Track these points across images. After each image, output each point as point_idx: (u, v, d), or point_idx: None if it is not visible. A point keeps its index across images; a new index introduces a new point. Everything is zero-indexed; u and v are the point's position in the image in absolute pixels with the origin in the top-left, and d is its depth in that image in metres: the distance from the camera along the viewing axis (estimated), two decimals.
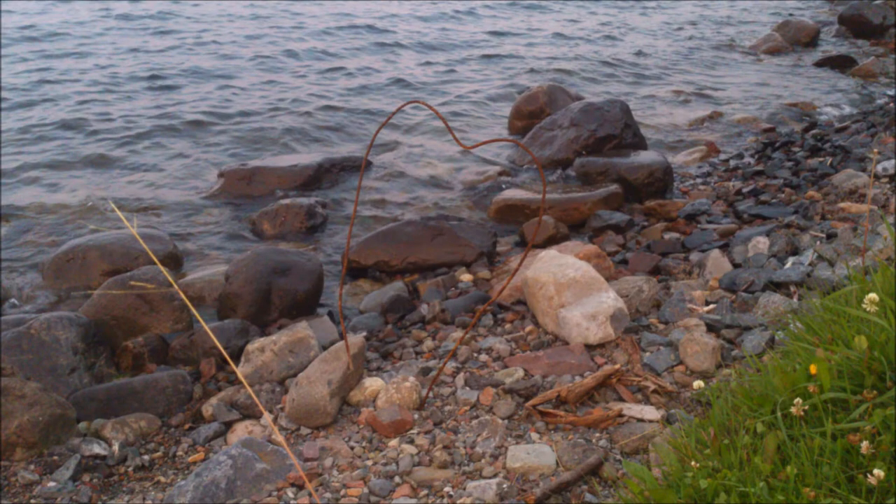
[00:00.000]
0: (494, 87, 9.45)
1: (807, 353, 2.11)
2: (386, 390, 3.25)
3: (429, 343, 3.89)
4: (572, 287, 3.72)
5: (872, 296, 1.93)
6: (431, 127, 7.91)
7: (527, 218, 5.66)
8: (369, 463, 2.88)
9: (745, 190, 5.88)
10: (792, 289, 3.87)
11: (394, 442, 2.99)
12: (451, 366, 3.53)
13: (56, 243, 5.37)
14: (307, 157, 6.80)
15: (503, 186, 6.35)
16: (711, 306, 3.86)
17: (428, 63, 10.61)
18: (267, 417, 2.96)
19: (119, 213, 5.82)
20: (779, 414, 1.92)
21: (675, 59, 11.25)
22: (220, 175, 6.42)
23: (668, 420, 2.96)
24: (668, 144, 7.62)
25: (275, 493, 2.74)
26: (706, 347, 3.32)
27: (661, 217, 5.66)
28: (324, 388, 3.16)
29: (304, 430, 3.17)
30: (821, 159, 6.41)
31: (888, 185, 5.18)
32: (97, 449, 3.16)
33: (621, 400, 3.15)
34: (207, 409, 3.42)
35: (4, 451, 3.10)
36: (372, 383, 3.34)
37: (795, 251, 4.36)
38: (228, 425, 3.33)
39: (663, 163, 6.20)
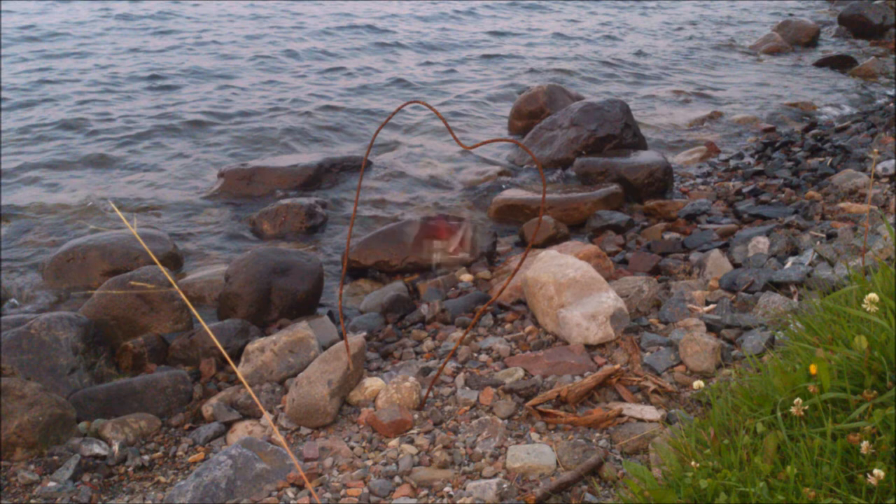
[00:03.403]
0: (494, 87, 9.45)
1: (807, 353, 2.11)
2: (386, 390, 3.25)
3: (429, 343, 3.89)
4: (572, 287, 3.72)
5: (872, 296, 1.93)
6: (431, 127, 7.90)
7: (527, 218, 5.66)
8: (369, 463, 2.88)
9: (745, 190, 5.88)
10: (792, 289, 3.87)
11: (394, 442, 2.99)
12: (451, 366, 3.53)
13: (56, 243, 5.37)
14: (307, 157, 6.80)
15: (503, 186, 6.35)
16: (711, 306, 3.86)
17: (428, 63, 10.61)
18: (267, 417, 2.96)
19: (119, 213, 5.82)
20: (779, 414, 1.92)
21: (675, 59, 11.24)
22: (220, 175, 6.42)
23: (668, 420, 2.96)
24: (668, 144, 7.62)
25: (275, 493, 2.74)
26: (706, 347, 3.32)
27: (661, 217, 5.66)
28: (324, 388, 3.16)
29: (304, 430, 3.17)
30: (821, 159, 6.41)
31: (888, 185, 5.18)
32: (97, 449, 3.16)
33: (621, 400, 3.15)
34: (207, 409, 3.42)
35: (4, 451, 3.10)
36: (372, 383, 3.34)
37: (795, 251, 4.36)
38: (228, 425, 3.33)
39: (663, 163, 6.20)
